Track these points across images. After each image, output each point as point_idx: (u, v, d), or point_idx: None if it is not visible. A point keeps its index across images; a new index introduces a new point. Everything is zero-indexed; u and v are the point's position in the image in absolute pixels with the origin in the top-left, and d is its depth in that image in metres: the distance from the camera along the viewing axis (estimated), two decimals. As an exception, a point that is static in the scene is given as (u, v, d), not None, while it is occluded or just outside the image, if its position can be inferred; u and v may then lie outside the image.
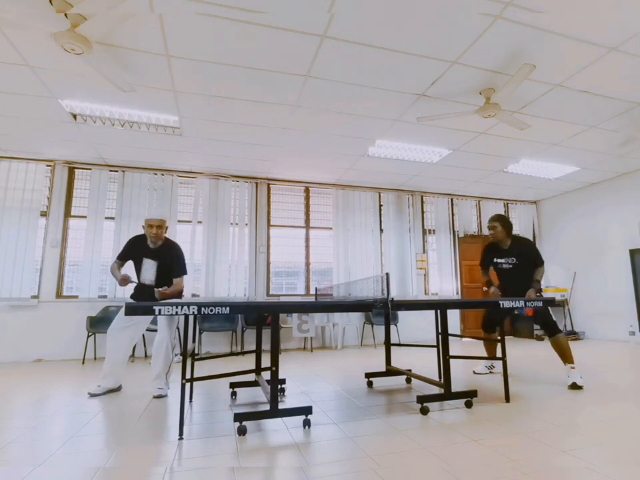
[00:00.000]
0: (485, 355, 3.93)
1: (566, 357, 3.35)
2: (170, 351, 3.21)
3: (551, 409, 2.65)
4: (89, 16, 2.58)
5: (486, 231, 7.69)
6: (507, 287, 3.68)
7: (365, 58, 3.28)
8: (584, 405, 2.72)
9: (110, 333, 3.22)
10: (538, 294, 3.55)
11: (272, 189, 6.61)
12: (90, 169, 5.73)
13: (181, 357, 2.39)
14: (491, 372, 3.96)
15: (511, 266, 3.64)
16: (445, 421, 2.41)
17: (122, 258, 3.43)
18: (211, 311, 2.18)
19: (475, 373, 3.96)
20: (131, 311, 2.11)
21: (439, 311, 3.08)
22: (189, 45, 3.08)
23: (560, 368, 3.88)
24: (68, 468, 1.81)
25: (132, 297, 3.42)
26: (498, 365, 4.02)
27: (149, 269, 3.31)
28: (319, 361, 4.95)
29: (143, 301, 3.18)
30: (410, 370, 3.47)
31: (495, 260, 3.76)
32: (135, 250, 3.38)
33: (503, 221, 3.68)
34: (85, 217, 5.62)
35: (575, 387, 3.18)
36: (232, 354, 3.31)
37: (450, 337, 2.88)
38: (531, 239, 7.95)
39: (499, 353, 3.06)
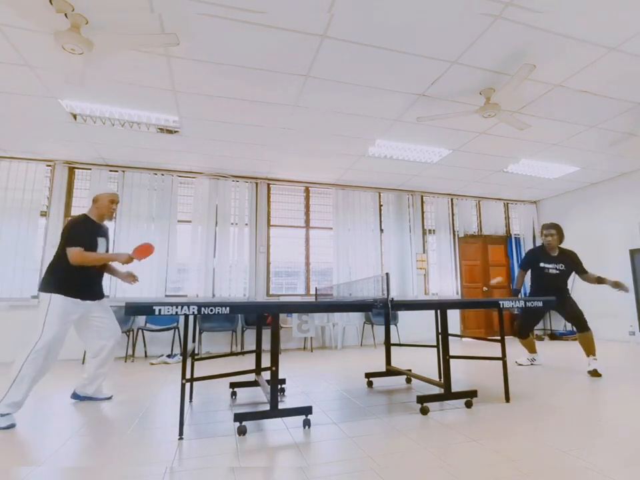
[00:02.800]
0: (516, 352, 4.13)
1: (591, 350, 3.79)
2: None
3: (550, 409, 2.65)
4: (90, 17, 2.58)
5: (486, 231, 7.75)
6: (549, 290, 3.93)
7: (365, 58, 3.28)
8: (584, 405, 2.72)
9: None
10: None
11: (272, 188, 6.61)
12: (90, 169, 5.73)
13: (181, 357, 2.38)
14: (532, 364, 4.16)
15: (558, 272, 3.95)
16: (445, 421, 2.41)
17: (89, 245, 2.83)
18: (211, 311, 2.18)
19: (517, 364, 4.13)
20: (131, 311, 2.10)
21: (438, 311, 3.08)
22: (189, 45, 3.08)
23: (561, 367, 3.94)
24: (68, 468, 1.81)
25: (77, 288, 2.76)
26: (538, 359, 4.32)
27: (102, 249, 2.99)
28: (319, 360, 4.95)
29: (93, 290, 2.89)
30: (410, 370, 3.47)
31: (541, 264, 4.00)
32: (92, 231, 2.90)
33: (558, 229, 4.00)
34: (85, 217, 5.62)
35: (595, 373, 3.60)
36: (232, 354, 3.31)
37: (450, 337, 2.89)
38: (531, 238, 8.01)
39: (500, 353, 3.06)
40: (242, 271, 6.15)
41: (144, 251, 2.91)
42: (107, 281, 5.52)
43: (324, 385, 3.52)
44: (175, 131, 4.62)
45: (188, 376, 3.51)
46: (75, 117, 4.24)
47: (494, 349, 5.41)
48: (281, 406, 2.74)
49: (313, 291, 6.49)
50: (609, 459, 1.82)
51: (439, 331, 2.95)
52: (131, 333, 5.29)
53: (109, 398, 3.08)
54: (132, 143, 4.98)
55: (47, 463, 1.86)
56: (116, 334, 3.02)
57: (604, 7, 2.70)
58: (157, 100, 3.93)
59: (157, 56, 3.20)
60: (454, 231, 7.56)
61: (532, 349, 4.24)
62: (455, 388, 3.09)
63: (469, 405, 2.72)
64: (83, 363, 4.89)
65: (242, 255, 6.18)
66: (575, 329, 3.93)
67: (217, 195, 6.20)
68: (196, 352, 4.86)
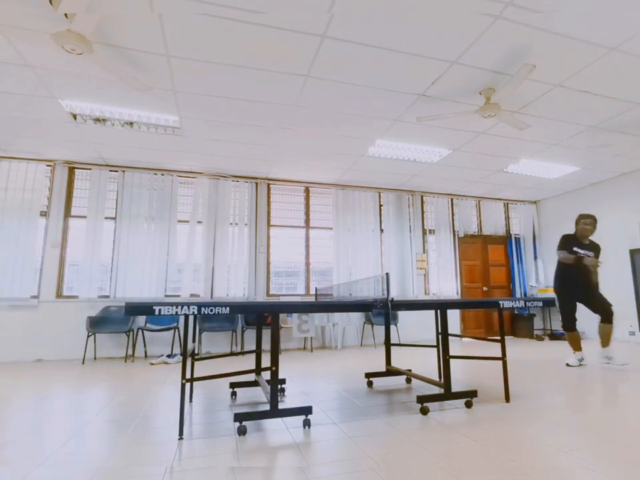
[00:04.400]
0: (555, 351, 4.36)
1: (607, 341, 4.10)
2: None
3: (550, 408, 2.65)
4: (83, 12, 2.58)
5: (486, 231, 7.75)
6: (579, 274, 4.27)
7: (365, 58, 3.28)
8: (584, 405, 2.72)
9: None
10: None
11: (272, 188, 6.61)
12: (90, 169, 5.74)
13: (181, 357, 2.39)
14: (581, 364, 4.21)
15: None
16: (445, 421, 2.41)
17: None
18: (211, 311, 2.18)
19: (567, 365, 4.15)
20: (131, 311, 2.10)
21: (438, 311, 3.09)
22: (189, 45, 3.08)
23: (559, 368, 3.94)
24: (68, 468, 1.81)
25: None
26: (585, 359, 4.50)
27: None
28: (319, 360, 4.95)
29: None
30: (410, 370, 3.47)
31: (574, 249, 4.31)
32: None
33: (595, 221, 4.37)
34: (85, 217, 5.63)
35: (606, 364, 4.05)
36: (232, 354, 3.31)
37: (450, 337, 2.89)
38: (531, 239, 8.03)
39: (500, 353, 3.06)
40: (242, 270, 6.15)
41: None
42: (107, 280, 5.54)
43: (324, 385, 3.52)
44: (177, 128, 4.61)
45: (188, 376, 3.52)
46: (74, 116, 4.25)
47: (494, 349, 5.41)
48: (280, 406, 2.74)
49: (312, 291, 6.49)
50: (609, 459, 1.82)
51: (439, 330, 2.95)
52: (131, 333, 5.29)
53: None
54: (132, 143, 4.98)
55: (47, 463, 1.86)
56: None
57: (604, 7, 2.70)
58: (157, 100, 3.93)
59: (157, 56, 3.21)
60: (454, 231, 7.56)
61: (577, 347, 4.23)
62: (455, 388, 3.09)
63: (468, 405, 2.72)
64: (83, 363, 4.89)
65: (242, 254, 6.18)
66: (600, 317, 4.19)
67: (216, 195, 6.20)
68: (196, 352, 4.86)
